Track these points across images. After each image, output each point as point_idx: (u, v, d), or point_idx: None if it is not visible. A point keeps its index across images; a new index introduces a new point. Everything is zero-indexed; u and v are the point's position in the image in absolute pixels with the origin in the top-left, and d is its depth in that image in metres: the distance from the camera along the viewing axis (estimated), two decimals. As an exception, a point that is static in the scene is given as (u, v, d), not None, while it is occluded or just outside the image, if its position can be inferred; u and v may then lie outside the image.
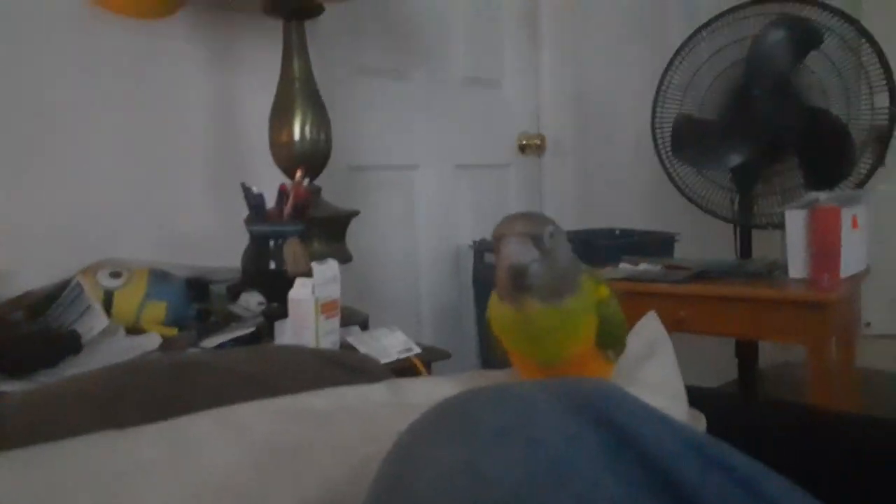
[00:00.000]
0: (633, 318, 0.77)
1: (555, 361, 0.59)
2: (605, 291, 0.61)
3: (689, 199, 1.92)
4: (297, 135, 1.27)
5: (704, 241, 2.08)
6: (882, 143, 1.73)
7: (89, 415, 0.63)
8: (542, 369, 0.59)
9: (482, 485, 0.34)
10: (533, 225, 0.55)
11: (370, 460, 0.45)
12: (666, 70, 1.94)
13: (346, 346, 1.13)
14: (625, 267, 1.69)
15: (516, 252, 0.54)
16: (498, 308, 0.59)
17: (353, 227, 1.43)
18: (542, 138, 2.18)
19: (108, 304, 1.12)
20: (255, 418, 0.59)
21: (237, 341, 1.10)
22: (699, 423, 0.65)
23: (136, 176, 1.33)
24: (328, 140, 1.31)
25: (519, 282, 0.55)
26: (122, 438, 0.55)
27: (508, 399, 0.39)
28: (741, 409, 0.80)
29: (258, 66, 1.44)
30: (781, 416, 0.74)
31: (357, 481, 0.48)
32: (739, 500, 0.32)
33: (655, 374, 0.65)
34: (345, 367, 0.77)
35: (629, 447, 0.35)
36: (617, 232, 2.07)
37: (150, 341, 1.09)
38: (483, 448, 0.35)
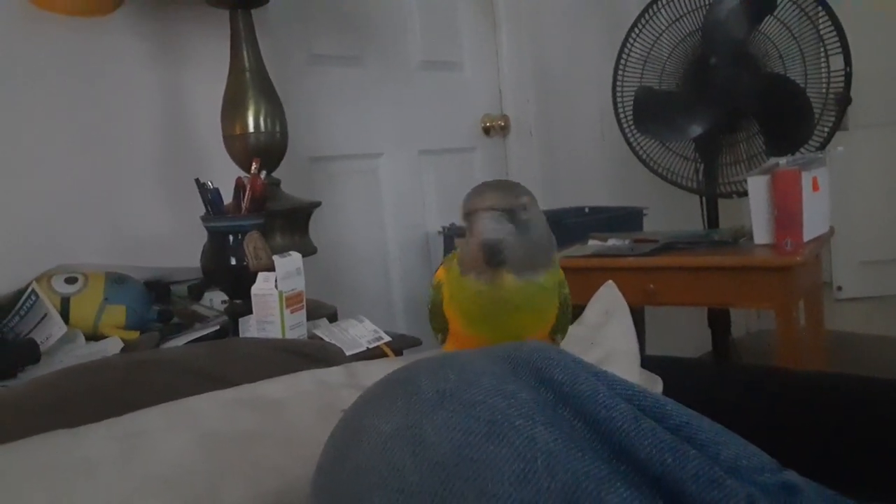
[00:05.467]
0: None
1: None
2: (560, 273, 0.59)
3: (655, 172, 1.93)
4: (251, 127, 1.24)
5: (673, 213, 2.09)
6: (840, 105, 1.75)
7: (42, 418, 0.62)
8: None
9: (421, 448, 0.35)
10: (506, 197, 0.53)
11: (324, 443, 0.45)
12: (624, 42, 1.93)
13: (312, 339, 1.12)
14: (593, 243, 1.69)
15: (489, 228, 0.52)
16: (460, 283, 0.57)
17: (318, 220, 1.42)
18: (506, 119, 2.17)
19: (65, 310, 1.10)
20: (207, 409, 0.58)
21: (201, 341, 1.09)
22: (655, 385, 0.65)
23: (86, 178, 1.30)
24: (284, 131, 1.29)
25: (493, 258, 0.52)
26: (72, 436, 0.55)
27: (448, 365, 0.39)
28: (706, 374, 0.81)
29: (206, 58, 1.41)
30: (744, 377, 0.74)
31: (311, 464, 0.48)
32: (672, 445, 0.33)
33: (612, 339, 0.65)
34: (303, 356, 0.76)
35: (566, 403, 0.36)
36: (586, 210, 2.07)
37: (111, 346, 1.07)
38: (422, 413, 0.36)
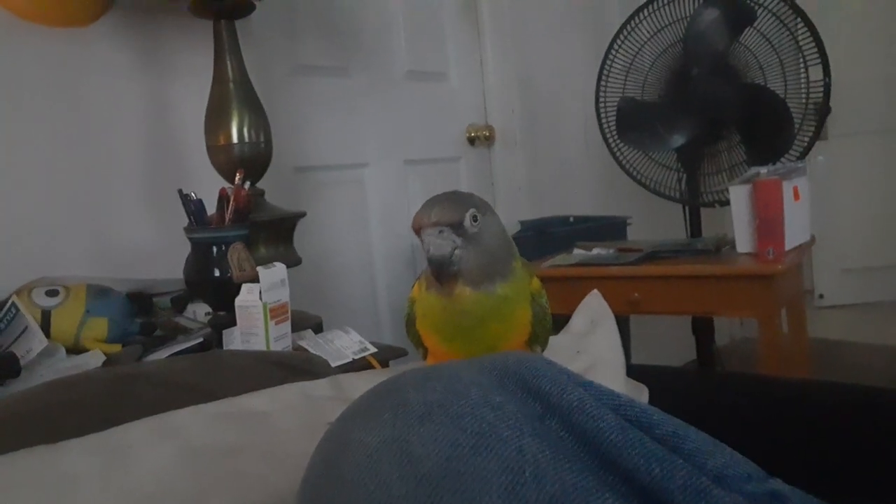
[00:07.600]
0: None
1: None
2: (537, 283, 0.60)
3: (638, 182, 1.94)
4: (234, 137, 1.24)
5: (656, 222, 2.10)
6: (820, 115, 1.77)
7: (23, 433, 0.61)
8: None
9: (409, 462, 0.34)
10: (450, 212, 0.53)
11: (310, 456, 0.44)
12: (607, 53, 1.95)
13: (298, 351, 1.11)
14: (578, 252, 1.70)
15: (435, 244, 0.53)
16: (427, 300, 0.57)
17: (303, 230, 1.41)
18: (491, 129, 2.18)
19: (45, 323, 1.08)
20: (191, 423, 0.57)
21: (184, 353, 1.07)
22: (641, 394, 0.65)
23: (68, 189, 1.28)
24: (268, 141, 1.28)
25: (443, 272, 0.53)
26: (53, 451, 0.54)
27: (435, 377, 0.39)
28: (690, 383, 0.81)
29: (190, 69, 1.40)
30: (729, 385, 0.75)
31: (297, 478, 0.47)
32: (659, 456, 0.33)
33: (598, 348, 0.65)
34: (288, 368, 0.75)
35: (553, 413, 0.36)
36: (571, 219, 2.08)
37: (93, 360, 1.06)
38: (410, 426, 0.36)
